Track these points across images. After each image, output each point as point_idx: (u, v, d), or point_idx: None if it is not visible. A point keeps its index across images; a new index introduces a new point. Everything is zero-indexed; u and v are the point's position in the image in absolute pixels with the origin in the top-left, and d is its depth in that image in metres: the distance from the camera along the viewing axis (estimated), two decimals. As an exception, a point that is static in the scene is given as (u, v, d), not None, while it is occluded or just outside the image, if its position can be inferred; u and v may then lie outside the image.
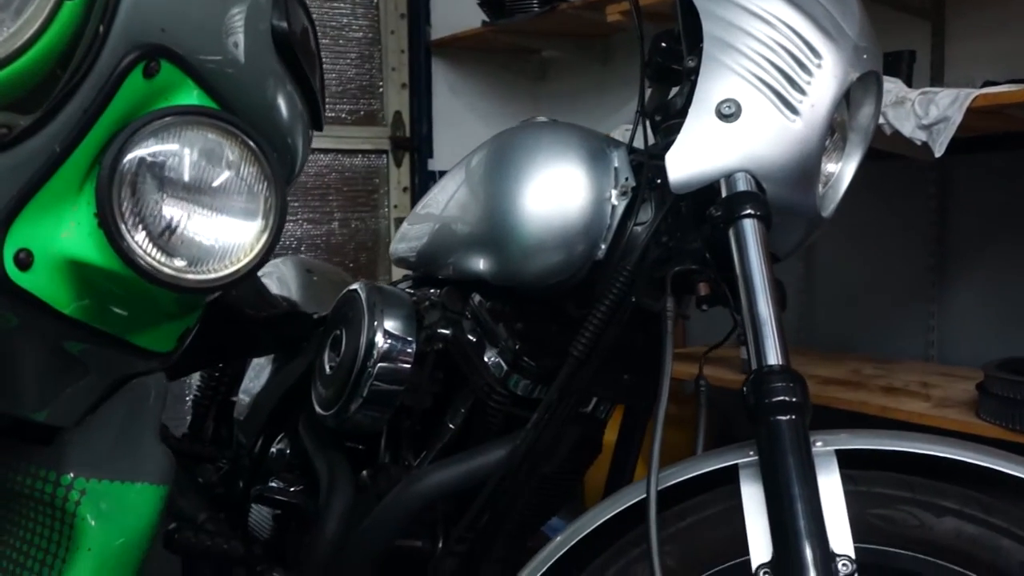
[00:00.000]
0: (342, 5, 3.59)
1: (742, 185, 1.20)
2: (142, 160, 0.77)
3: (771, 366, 1.09)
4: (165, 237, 0.77)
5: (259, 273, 1.87)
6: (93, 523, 1.01)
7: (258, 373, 2.11)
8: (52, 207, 0.74)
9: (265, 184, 0.81)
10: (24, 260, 0.73)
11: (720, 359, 2.55)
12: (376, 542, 1.40)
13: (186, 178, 0.80)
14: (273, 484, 1.62)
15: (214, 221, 0.80)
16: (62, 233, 0.75)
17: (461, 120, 3.74)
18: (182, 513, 2.04)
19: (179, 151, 0.79)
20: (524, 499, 1.43)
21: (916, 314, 2.74)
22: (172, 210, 0.78)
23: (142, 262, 0.75)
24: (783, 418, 1.06)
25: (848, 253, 2.89)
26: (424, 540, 1.52)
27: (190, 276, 0.79)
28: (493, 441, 1.43)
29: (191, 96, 0.83)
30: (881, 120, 2.07)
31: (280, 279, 2.29)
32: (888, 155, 2.36)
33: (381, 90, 3.69)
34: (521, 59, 3.81)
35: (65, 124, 0.75)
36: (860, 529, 1.04)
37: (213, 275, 0.80)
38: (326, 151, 3.58)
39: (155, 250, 0.77)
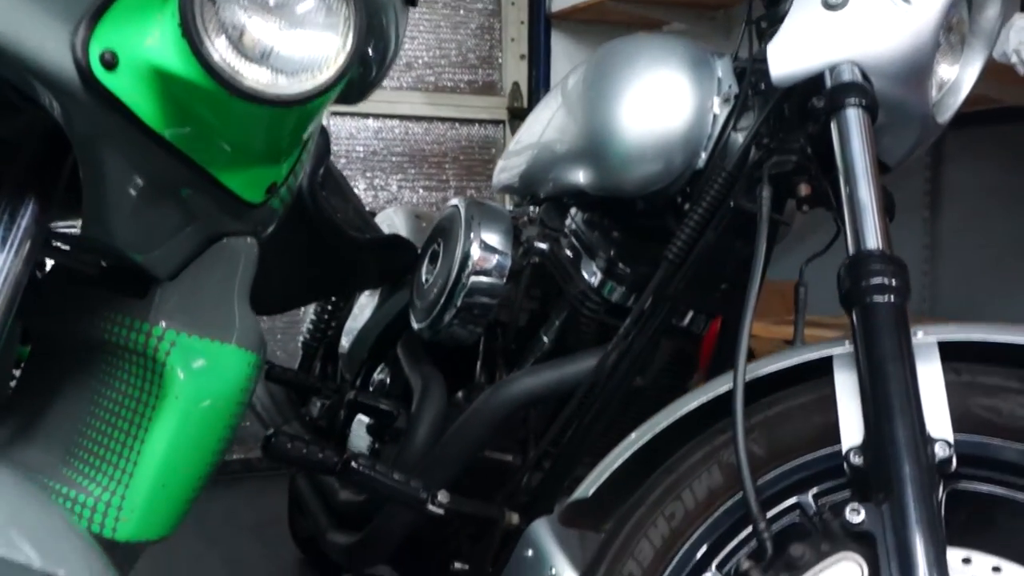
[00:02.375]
0: (464, -24, 3.64)
1: (847, 75, 1.15)
2: None
3: (870, 250, 1.05)
4: (245, 47, 0.79)
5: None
6: (182, 375, 1.03)
7: (362, 311, 2.15)
8: (138, 12, 0.77)
9: (345, 3, 0.81)
10: (109, 61, 0.76)
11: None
12: (465, 447, 1.40)
13: None
14: (370, 391, 1.64)
15: (294, 34, 0.81)
16: (146, 40, 0.77)
17: (579, 92, 3.72)
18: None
19: None
20: (613, 412, 1.40)
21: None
22: (253, 21, 0.79)
23: (222, 71, 0.77)
24: (881, 299, 1.01)
25: (974, 221, 2.76)
26: (512, 454, 1.51)
27: (269, 89, 0.80)
28: (585, 350, 1.41)
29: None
30: (1014, 59, 1.96)
31: (390, 226, 2.32)
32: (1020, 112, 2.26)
33: (500, 61, 3.71)
34: (641, 31, 3.77)
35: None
36: (962, 419, 0.98)
37: (291, 90, 0.81)
38: (443, 119, 3.62)
39: (235, 59, 0.78)
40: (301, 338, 2.47)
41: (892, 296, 1.01)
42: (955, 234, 2.68)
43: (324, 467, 1.56)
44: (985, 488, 0.98)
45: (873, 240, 1.05)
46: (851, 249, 1.06)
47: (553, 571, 1.32)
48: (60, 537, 0.52)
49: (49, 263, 1.11)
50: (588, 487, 1.12)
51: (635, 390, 1.42)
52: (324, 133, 1.84)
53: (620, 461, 1.12)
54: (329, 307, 2.39)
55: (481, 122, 3.68)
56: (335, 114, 3.44)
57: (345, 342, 2.10)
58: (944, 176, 2.68)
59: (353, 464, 1.28)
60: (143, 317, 1.03)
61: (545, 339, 1.50)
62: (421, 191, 3.60)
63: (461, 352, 1.68)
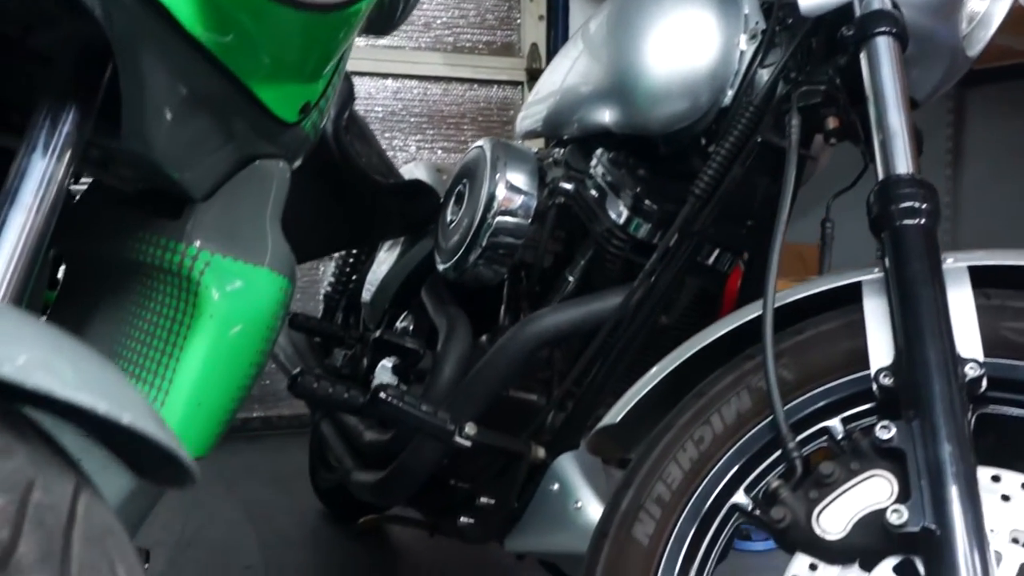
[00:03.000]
0: (484, -64, 3.62)
1: (877, 3, 1.15)
2: None
3: (899, 175, 1.05)
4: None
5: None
6: (216, 295, 1.04)
7: (384, 261, 2.16)
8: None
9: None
10: (151, -39, 0.77)
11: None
12: (491, 382, 1.40)
13: None
14: (395, 330, 1.65)
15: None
16: (188, -59, 0.78)
17: (597, 53, 3.71)
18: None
19: None
20: (637, 351, 1.41)
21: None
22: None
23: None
24: (911, 222, 1.01)
25: (997, 178, 2.75)
26: (537, 394, 1.52)
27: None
28: (611, 288, 1.42)
29: None
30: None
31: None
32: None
33: (518, 22, 3.70)
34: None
35: None
36: (993, 342, 0.98)
37: (328, -6, 0.81)
38: (462, 80, 3.62)
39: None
40: (323, 291, 2.48)
41: (922, 219, 1.01)
42: (978, 191, 2.66)
43: (350, 405, 1.57)
44: (1014, 412, 0.99)
45: (903, 165, 1.05)
46: (880, 174, 1.06)
47: (579, 504, 1.33)
48: (121, 388, 0.53)
49: (82, 189, 1.12)
50: (616, 413, 1.12)
51: (659, 329, 1.42)
52: (348, 79, 1.84)
53: (648, 387, 1.12)
54: (351, 260, 2.40)
55: (499, 83, 3.67)
56: (354, 74, 3.44)
57: (367, 292, 2.11)
58: (967, 133, 2.66)
59: (381, 395, 1.29)
60: (178, 237, 1.04)
61: (570, 279, 1.50)
62: (440, 152, 3.60)
63: (485, 296, 1.69)
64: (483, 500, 1.44)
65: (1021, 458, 0.98)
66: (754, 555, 2.17)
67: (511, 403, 1.50)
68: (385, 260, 2.15)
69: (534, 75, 3.66)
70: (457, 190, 1.64)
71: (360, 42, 3.45)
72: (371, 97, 3.50)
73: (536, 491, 1.37)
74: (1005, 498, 0.91)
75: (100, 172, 1.02)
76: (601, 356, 1.40)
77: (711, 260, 1.42)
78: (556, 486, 1.35)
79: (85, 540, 0.47)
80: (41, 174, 0.81)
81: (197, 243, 1.03)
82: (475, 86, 3.64)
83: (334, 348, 2.26)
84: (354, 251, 2.37)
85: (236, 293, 1.06)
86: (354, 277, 2.39)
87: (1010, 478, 0.92)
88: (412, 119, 3.56)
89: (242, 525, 2.42)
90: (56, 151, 0.82)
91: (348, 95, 1.82)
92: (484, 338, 1.62)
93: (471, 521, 1.47)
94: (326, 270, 3.23)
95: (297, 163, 1.18)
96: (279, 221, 1.12)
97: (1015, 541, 0.89)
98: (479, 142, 1.62)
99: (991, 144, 2.62)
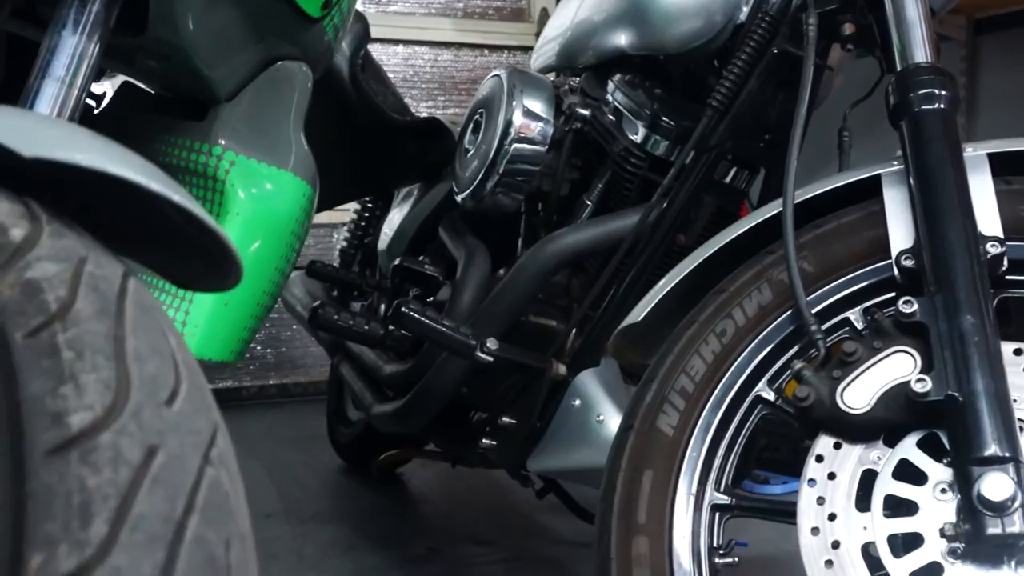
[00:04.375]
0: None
1: (893, -96, 1.15)
2: None
3: (918, 63, 1.05)
4: None
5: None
6: (242, 195, 1.06)
7: (399, 210, 2.17)
8: None
9: None
10: None
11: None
12: (511, 301, 1.41)
13: None
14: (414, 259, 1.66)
15: None
16: None
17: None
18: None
19: None
20: (655, 270, 1.41)
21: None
22: None
23: None
24: (929, 107, 1.02)
25: (1011, 126, 2.74)
26: (556, 320, 1.52)
27: None
28: (629, 208, 1.42)
29: None
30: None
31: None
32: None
33: (528, -13, 3.71)
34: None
35: None
36: (1013, 225, 0.99)
37: None
38: (473, 46, 3.63)
39: None
40: (338, 247, 2.50)
41: (941, 104, 1.02)
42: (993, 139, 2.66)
43: (371, 335, 1.58)
44: (1035, 294, 0.99)
45: (921, 53, 1.06)
46: (899, 65, 1.07)
47: (601, 418, 1.34)
48: (169, 181, 0.54)
49: (108, 94, 1.14)
50: (639, 312, 1.13)
51: (677, 249, 1.43)
52: (362, 19, 1.85)
53: (671, 286, 1.13)
54: (366, 213, 2.41)
55: (510, 48, 3.68)
56: (364, 41, 3.45)
57: (383, 240, 2.12)
58: (980, 81, 2.66)
59: (403, 309, 1.30)
60: (203, 138, 1.05)
61: (588, 202, 1.51)
62: (453, 117, 3.60)
63: (503, 230, 1.69)
64: (505, 420, 1.45)
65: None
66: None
67: (531, 327, 1.51)
68: (401, 209, 2.16)
69: (544, 41, 3.66)
70: (474, 119, 1.64)
71: (371, 8, 3.46)
72: (382, 63, 3.50)
73: (557, 409, 1.38)
74: (1029, 370, 0.92)
75: (126, 68, 1.03)
76: (619, 276, 1.40)
77: (728, 178, 1.42)
78: (577, 402, 1.35)
79: (137, 307, 0.48)
80: (72, 49, 0.82)
81: (222, 142, 1.05)
82: (485, 51, 3.65)
83: (350, 299, 2.28)
84: (369, 204, 2.39)
85: (261, 196, 1.08)
86: (370, 230, 2.40)
87: (1033, 351, 0.93)
88: (423, 85, 3.57)
89: (263, 480, 2.44)
90: (86, 29, 0.83)
91: (364, 34, 1.83)
92: (502, 271, 1.63)
93: (493, 443, 1.48)
94: (339, 237, 3.25)
95: (318, 73, 1.19)
96: (302, 127, 1.14)
97: (1039, 409, 0.90)
98: (495, 71, 1.63)
99: (1006, 91, 2.61)
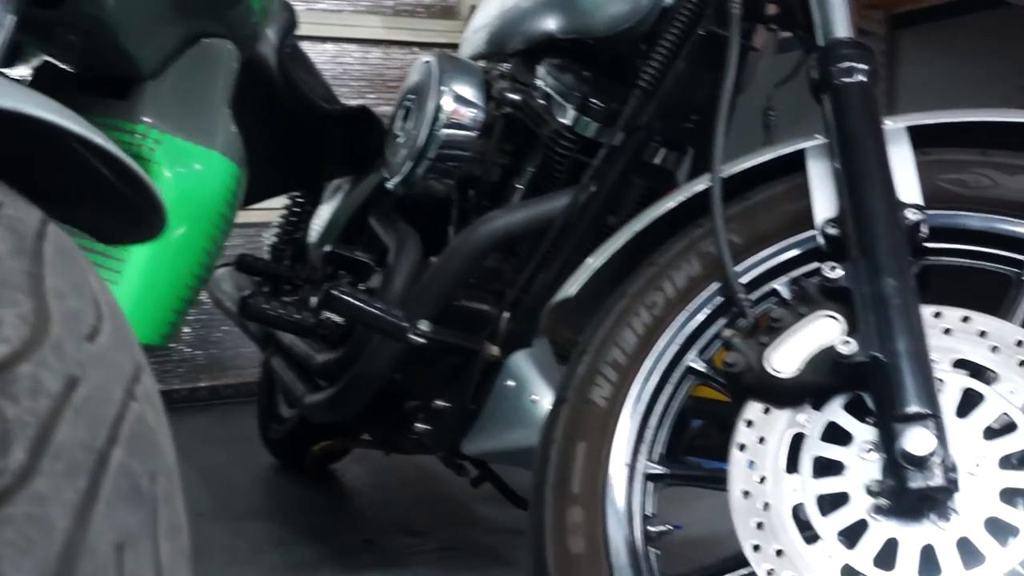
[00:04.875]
0: None
1: None
2: None
3: (838, 38, 1.08)
4: None
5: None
6: (167, 174, 1.04)
7: (330, 202, 2.15)
8: None
9: None
10: None
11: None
12: (444, 283, 1.41)
13: None
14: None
15: None
16: None
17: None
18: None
19: None
20: (587, 252, 1.42)
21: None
22: None
23: None
24: (851, 80, 1.05)
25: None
26: (489, 304, 1.52)
27: None
28: (560, 190, 1.43)
29: None
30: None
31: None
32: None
33: (458, -16, 3.71)
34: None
35: None
36: (932, 194, 1.02)
37: None
38: (403, 44, 3.61)
39: None
40: (268, 243, 2.46)
41: (862, 77, 1.04)
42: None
43: (302, 324, 1.57)
44: (952, 260, 1.02)
45: (842, 29, 1.08)
46: (820, 40, 1.09)
47: (534, 398, 1.34)
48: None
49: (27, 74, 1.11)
50: (572, 286, 1.14)
51: (608, 231, 1.44)
52: (289, 8, 1.83)
53: (603, 260, 1.14)
54: (295, 209, 2.38)
55: (440, 46, 3.66)
56: (293, 38, 3.41)
57: (314, 234, 2.10)
58: (899, 74, 2.73)
59: (334, 292, 1.29)
60: (126, 116, 1.04)
61: (519, 186, 1.52)
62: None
63: (435, 217, 1.69)
64: (439, 404, 1.45)
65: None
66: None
67: (464, 312, 1.50)
68: (331, 202, 2.14)
69: (474, 39, 3.66)
70: (405, 105, 1.64)
71: (299, 5, 3.42)
72: (310, 61, 3.48)
73: (491, 390, 1.38)
74: (947, 331, 0.94)
75: (45, 44, 1.01)
76: (551, 259, 1.41)
77: (657, 159, 1.44)
78: (511, 382, 1.36)
79: (56, 248, 0.47)
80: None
81: (147, 121, 1.03)
82: (415, 49, 3.63)
83: (281, 294, 2.24)
84: (299, 199, 2.36)
85: (188, 175, 1.06)
86: (300, 226, 2.37)
87: (951, 314, 0.96)
88: (353, 83, 3.54)
89: (193, 480, 2.39)
90: (0, -3, 0.81)
91: (290, 24, 1.81)
92: (433, 259, 1.63)
93: (428, 427, 1.48)
94: (268, 235, 3.20)
95: (245, 54, 1.17)
96: (228, 107, 1.12)
97: (956, 367, 0.93)
98: (424, 57, 1.62)
99: (924, 85, 2.68)
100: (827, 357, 0.94)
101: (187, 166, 1.06)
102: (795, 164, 1.10)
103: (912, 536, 0.88)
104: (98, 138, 0.51)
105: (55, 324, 0.43)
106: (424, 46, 3.64)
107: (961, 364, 0.93)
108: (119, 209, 0.58)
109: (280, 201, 2.41)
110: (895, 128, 1.06)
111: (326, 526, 2.02)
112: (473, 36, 1.80)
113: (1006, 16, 2.39)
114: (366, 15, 3.55)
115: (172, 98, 1.05)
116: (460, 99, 1.54)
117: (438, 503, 2.20)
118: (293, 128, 1.86)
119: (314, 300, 2.01)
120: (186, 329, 3.35)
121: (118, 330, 0.48)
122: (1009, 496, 0.87)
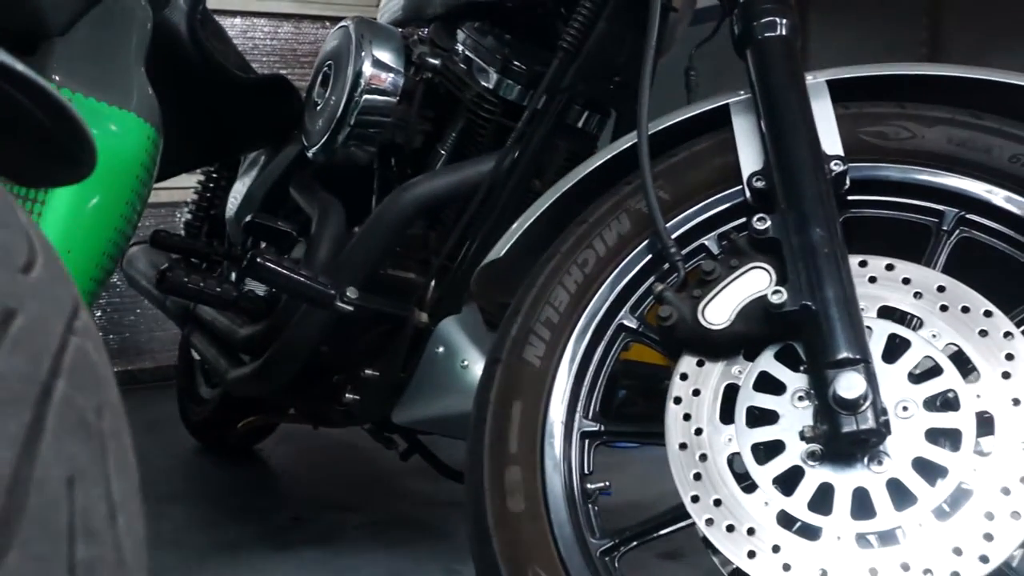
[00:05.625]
0: None
1: None
2: None
3: (760, -7, 1.09)
4: None
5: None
6: (80, 137, 0.99)
7: (247, 175, 2.10)
8: None
9: None
10: None
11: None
12: (370, 250, 1.39)
13: None
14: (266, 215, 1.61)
15: None
16: None
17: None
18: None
19: None
20: (512, 216, 1.41)
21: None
22: None
23: None
24: (772, 34, 1.06)
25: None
26: (415, 273, 1.51)
27: None
28: (485, 155, 1.42)
29: None
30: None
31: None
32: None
33: (368, -44, 3.64)
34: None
35: None
36: (852, 147, 1.03)
37: None
38: (314, 18, 3.54)
39: None
40: (183, 220, 2.40)
41: (783, 31, 1.06)
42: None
43: (224, 297, 1.53)
44: (875, 212, 1.04)
45: (763, -15, 1.09)
46: (741, -1, 1.10)
47: (465, 363, 1.34)
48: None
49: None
50: (500, 247, 1.13)
51: (534, 195, 1.43)
52: (201, -27, 1.78)
53: (531, 221, 1.14)
54: (211, 184, 2.32)
55: (353, 20, 3.61)
56: (200, 12, 3.32)
57: (231, 208, 2.05)
58: (809, 43, 2.77)
59: (259, 260, 1.26)
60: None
61: (442, 152, 1.50)
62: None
63: (357, 186, 1.66)
64: (368, 373, 1.43)
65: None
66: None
67: (391, 280, 1.48)
68: (248, 175, 2.09)
69: (387, 11, 3.61)
70: (323, 72, 1.61)
71: (205, -22, 3.32)
72: (219, 36, 3.39)
73: (421, 358, 1.37)
74: (872, 279, 0.96)
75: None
76: (476, 224, 1.40)
77: (580, 122, 1.44)
78: (441, 349, 1.35)
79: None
80: None
81: (56, 79, 0.99)
82: (327, 24, 3.56)
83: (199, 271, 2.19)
84: (214, 174, 2.30)
85: (102, 136, 1.02)
86: (216, 201, 2.31)
87: (876, 263, 0.97)
88: (263, 58, 3.47)
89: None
90: None
91: (201, -10, 1.76)
92: (357, 229, 1.60)
93: (356, 398, 1.46)
94: (183, 214, 3.12)
95: (158, 14, 1.13)
96: (143, 67, 1.08)
97: (882, 315, 0.95)
98: (343, 22, 1.59)
99: (834, 54, 2.73)
100: (759, 307, 0.95)
101: (101, 127, 1.02)
102: (720, 120, 1.11)
103: (845, 480, 0.89)
104: (19, 65, 0.48)
105: (-17, 256, 0.41)
106: (335, 20, 3.57)
107: (886, 311, 0.95)
108: (43, 148, 0.55)
109: (192, 179, 2.35)
110: (816, 82, 1.07)
111: (253, 506, 1.99)
112: (390, 3, 1.77)
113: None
114: (276, -13, 3.47)
115: (84, 56, 1.01)
116: (379, 64, 1.51)
117: (368, 479, 2.19)
118: (206, 98, 1.81)
119: (235, 274, 1.98)
120: (97, 313, 3.25)
121: (52, 263, 0.46)
122: (934, 436, 0.90)
